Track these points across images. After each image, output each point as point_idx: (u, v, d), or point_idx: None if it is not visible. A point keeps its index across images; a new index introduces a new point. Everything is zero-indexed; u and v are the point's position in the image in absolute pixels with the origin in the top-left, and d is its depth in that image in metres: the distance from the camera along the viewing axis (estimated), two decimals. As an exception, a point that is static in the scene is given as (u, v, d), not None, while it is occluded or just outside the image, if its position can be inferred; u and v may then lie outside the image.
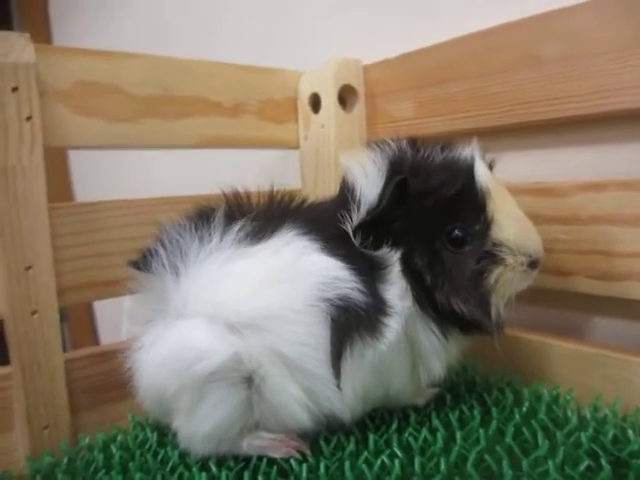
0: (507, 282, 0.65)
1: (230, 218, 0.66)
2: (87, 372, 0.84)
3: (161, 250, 0.66)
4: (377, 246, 0.64)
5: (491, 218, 0.65)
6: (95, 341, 2.42)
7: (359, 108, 1.05)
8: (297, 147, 1.10)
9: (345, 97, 1.05)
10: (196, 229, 0.66)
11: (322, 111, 1.04)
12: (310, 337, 0.60)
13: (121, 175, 1.88)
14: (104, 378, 0.85)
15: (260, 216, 0.68)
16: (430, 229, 0.65)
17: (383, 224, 0.64)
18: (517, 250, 0.65)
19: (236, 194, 0.71)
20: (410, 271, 0.64)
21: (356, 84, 1.04)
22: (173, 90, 0.93)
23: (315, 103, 1.06)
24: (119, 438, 0.74)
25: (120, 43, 0.96)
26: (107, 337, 2.30)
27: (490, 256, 0.64)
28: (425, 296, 0.64)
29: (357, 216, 0.65)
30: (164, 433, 0.72)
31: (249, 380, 0.60)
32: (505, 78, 0.82)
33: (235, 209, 0.69)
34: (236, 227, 0.64)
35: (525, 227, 0.67)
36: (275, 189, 0.72)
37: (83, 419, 0.84)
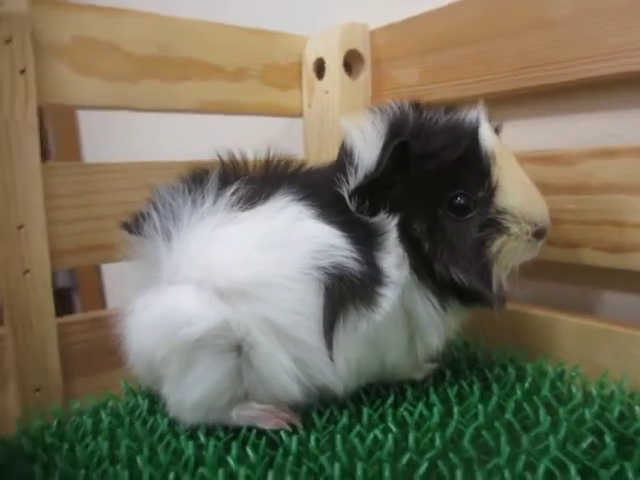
0: (510, 252, 0.62)
1: (225, 181, 0.64)
2: (81, 337, 0.83)
3: (153, 213, 0.64)
4: (374, 212, 0.61)
5: (495, 184, 0.61)
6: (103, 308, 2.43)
7: (365, 74, 1.01)
8: (301, 115, 1.07)
9: (351, 63, 1.02)
10: (189, 192, 0.63)
11: (326, 77, 1.00)
12: (302, 305, 0.58)
13: (131, 139, 1.86)
14: (98, 344, 0.83)
15: (255, 180, 0.65)
16: (431, 195, 0.61)
17: (381, 189, 0.61)
18: (522, 218, 0.61)
19: (232, 158, 0.68)
20: (408, 238, 0.61)
21: (362, 49, 1.00)
22: (173, 51, 0.90)
23: (320, 69, 1.03)
24: (110, 404, 0.73)
25: (124, 1, 0.92)
26: (116, 305, 2.30)
27: (493, 224, 0.61)
28: (423, 265, 0.61)
29: (354, 180, 0.62)
30: (155, 401, 0.70)
31: (238, 348, 0.58)
32: (511, 41, 0.78)
33: (230, 173, 0.66)
34: (230, 190, 0.62)
35: (531, 194, 0.63)
36: (272, 154, 0.69)
37: (76, 384, 0.83)
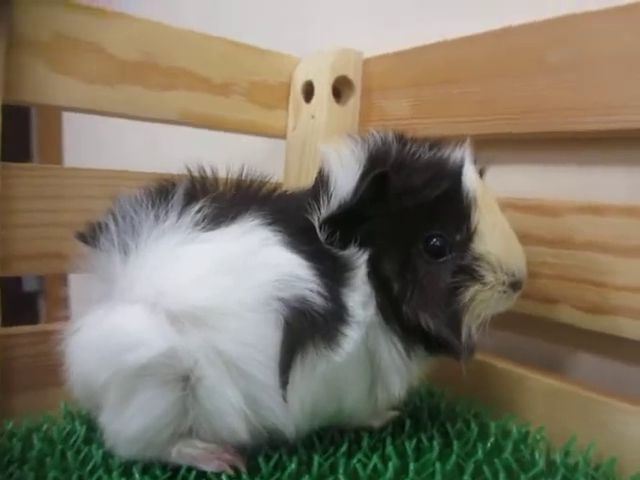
0: (484, 302, 0.58)
1: (191, 197, 0.60)
2: (24, 351, 0.77)
3: (112, 225, 0.59)
4: (344, 245, 0.58)
5: (474, 229, 0.58)
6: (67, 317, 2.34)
7: (354, 102, 0.98)
8: (284, 137, 1.04)
9: (340, 89, 0.99)
10: (153, 206, 0.59)
11: (314, 101, 0.98)
12: (257, 338, 0.54)
13: (121, 147, 1.81)
14: (42, 360, 0.77)
15: (223, 199, 0.61)
16: (406, 233, 0.58)
17: (354, 221, 0.58)
18: (499, 267, 0.58)
19: (202, 173, 0.65)
20: (378, 276, 0.58)
21: (353, 76, 0.97)
22: (159, 58, 0.86)
23: (308, 92, 1.00)
24: (44, 428, 0.67)
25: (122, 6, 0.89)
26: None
27: (468, 270, 0.58)
28: (391, 306, 0.58)
29: (327, 208, 0.58)
30: (94, 428, 0.65)
31: (185, 379, 0.54)
32: (509, 84, 0.76)
33: (198, 189, 0.63)
34: (195, 208, 0.58)
35: (511, 243, 0.60)
36: (246, 173, 0.66)
37: (15, 401, 0.77)
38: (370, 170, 0.58)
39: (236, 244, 0.56)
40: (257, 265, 0.56)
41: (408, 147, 0.61)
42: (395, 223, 0.58)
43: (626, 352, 0.72)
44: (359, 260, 0.57)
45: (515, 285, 0.59)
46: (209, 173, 0.65)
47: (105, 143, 1.88)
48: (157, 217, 0.58)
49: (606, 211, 0.66)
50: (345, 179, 0.59)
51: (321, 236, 0.58)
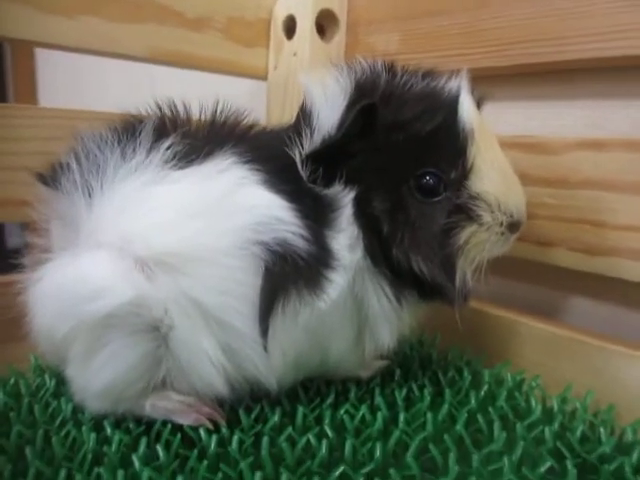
0: (480, 244, 0.54)
1: (161, 134, 0.54)
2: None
3: (74, 165, 0.54)
4: (328, 183, 0.53)
5: (471, 165, 0.53)
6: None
7: (338, 38, 0.92)
8: (265, 78, 0.98)
9: (324, 25, 0.93)
10: (119, 143, 0.53)
11: (296, 37, 0.91)
12: (234, 285, 0.50)
13: (103, 87, 1.71)
14: (8, 312, 0.73)
15: (196, 136, 0.56)
16: (396, 170, 0.53)
17: (340, 157, 0.53)
18: (497, 207, 0.54)
19: (172, 108, 0.59)
20: (365, 216, 0.53)
21: (338, 10, 0.91)
22: (124, -15, 0.79)
23: (290, 28, 0.93)
24: (11, 382, 0.63)
25: None
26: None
27: (464, 210, 0.53)
28: (380, 248, 0.53)
29: (309, 143, 0.53)
30: (65, 381, 0.61)
31: (156, 329, 0.50)
32: (500, 12, 0.71)
33: (169, 125, 0.57)
34: (165, 144, 0.52)
35: (509, 181, 0.56)
36: (220, 110, 0.60)
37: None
38: (356, 101, 0.52)
39: (210, 184, 0.51)
40: (233, 207, 0.51)
41: (399, 77, 0.56)
42: (384, 159, 0.53)
43: (622, 295, 0.69)
44: (344, 199, 0.53)
45: (513, 226, 0.55)
46: (181, 109, 0.59)
47: (85, 85, 1.79)
48: (124, 155, 0.53)
49: (608, 146, 0.61)
50: (329, 111, 0.54)
51: (303, 174, 0.53)
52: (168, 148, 0.52)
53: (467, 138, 0.53)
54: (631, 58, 0.61)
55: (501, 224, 0.54)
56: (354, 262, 0.52)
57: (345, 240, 0.52)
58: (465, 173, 0.54)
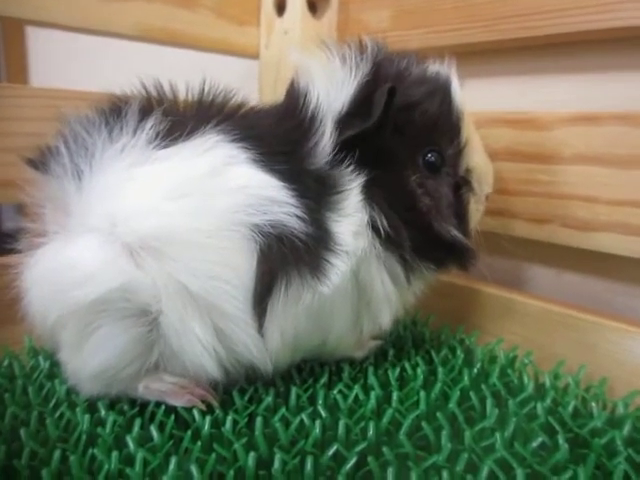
0: (475, 212, 0.59)
1: (147, 114, 0.53)
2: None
3: (63, 148, 0.53)
4: (336, 164, 0.53)
5: (464, 143, 0.57)
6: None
7: (330, 15, 0.90)
8: (257, 57, 0.96)
9: (315, 2, 0.91)
10: (106, 125, 0.53)
11: (287, 14, 0.89)
12: (224, 269, 0.49)
13: (98, 65, 1.68)
14: (3, 295, 0.72)
15: (183, 115, 0.55)
16: (408, 150, 0.55)
17: (357, 141, 0.52)
18: (483, 179, 0.59)
19: (159, 87, 0.58)
20: (388, 198, 0.54)
21: (329, -14, 0.89)
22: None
23: (281, 5, 0.91)
24: (5, 363, 0.63)
25: None
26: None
27: (465, 183, 0.58)
28: (406, 228, 0.54)
29: (320, 127, 0.53)
30: (58, 363, 0.61)
31: (146, 314, 0.49)
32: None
33: (155, 105, 0.56)
34: (150, 123, 0.51)
35: (486, 157, 0.60)
36: (207, 87, 0.59)
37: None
38: (375, 82, 0.53)
39: (195, 163, 0.50)
40: (221, 187, 0.50)
41: (399, 60, 0.57)
42: (399, 140, 0.55)
43: (614, 270, 0.69)
44: (352, 183, 0.52)
45: (487, 198, 0.60)
46: (167, 89, 0.58)
47: (80, 64, 1.76)
48: (111, 136, 0.52)
49: (598, 120, 0.61)
50: (335, 92, 0.54)
51: (327, 155, 0.53)
52: (152, 127, 0.51)
53: (460, 119, 0.57)
54: (623, 30, 0.60)
55: (485, 194, 0.59)
56: (359, 249, 0.52)
57: (350, 226, 0.52)
58: (460, 150, 0.57)
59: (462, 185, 0.57)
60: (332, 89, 0.54)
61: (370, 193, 0.53)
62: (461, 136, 0.56)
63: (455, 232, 0.55)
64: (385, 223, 0.53)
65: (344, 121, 0.53)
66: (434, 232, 0.55)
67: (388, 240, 0.54)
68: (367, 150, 0.53)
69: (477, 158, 0.58)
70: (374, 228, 0.53)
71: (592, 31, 0.61)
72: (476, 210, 0.59)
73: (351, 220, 0.52)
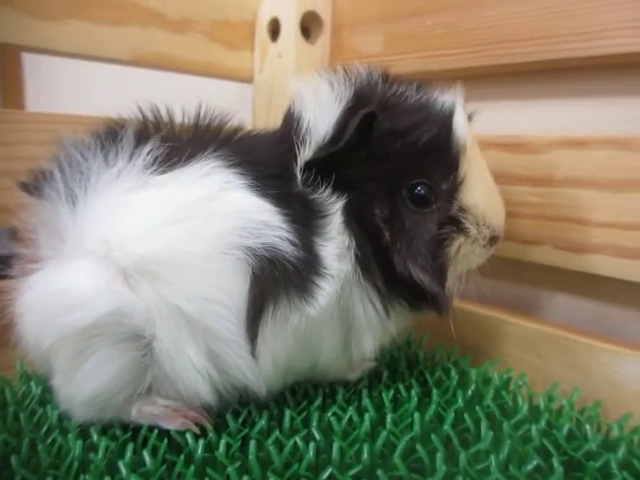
0: (466, 256, 0.55)
1: (143, 139, 0.53)
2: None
3: (57, 173, 0.53)
4: (319, 188, 0.53)
5: (462, 179, 0.54)
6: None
7: (323, 40, 0.92)
8: (251, 81, 0.97)
9: (309, 27, 0.92)
10: (102, 149, 0.53)
11: (281, 39, 0.91)
12: (218, 291, 0.49)
13: (92, 92, 1.70)
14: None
15: (179, 140, 0.55)
16: (391, 179, 0.53)
17: (334, 163, 0.52)
18: (482, 221, 0.54)
19: (155, 112, 0.58)
20: (362, 224, 0.53)
21: (322, 12, 0.91)
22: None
23: (275, 31, 0.93)
24: (-3, 390, 0.63)
25: None
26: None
27: (454, 222, 0.54)
28: (376, 258, 0.53)
29: (304, 151, 0.53)
30: (51, 389, 0.60)
31: (139, 338, 0.49)
32: (485, 12, 0.71)
33: (151, 129, 0.56)
34: (147, 149, 0.52)
35: (494, 196, 0.57)
36: (204, 113, 0.60)
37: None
38: (356, 108, 0.52)
39: (193, 188, 0.51)
40: (216, 211, 0.50)
41: (395, 86, 0.56)
42: (379, 168, 0.53)
43: (606, 292, 0.69)
44: (334, 206, 0.52)
45: (493, 240, 0.56)
46: (163, 113, 0.59)
47: (76, 89, 1.77)
48: (106, 161, 0.52)
49: (589, 144, 0.62)
50: (323, 116, 0.54)
51: (299, 178, 0.53)
52: (149, 152, 0.51)
53: (460, 152, 0.54)
54: (612, 57, 0.61)
55: (485, 237, 0.55)
56: (342, 272, 0.52)
57: (334, 249, 0.52)
58: (456, 186, 0.54)
59: (445, 224, 0.54)
60: (320, 115, 0.54)
61: (351, 216, 0.53)
62: (458, 172, 0.54)
63: (421, 274, 0.53)
64: (358, 250, 0.53)
65: (325, 146, 0.53)
66: (396, 270, 0.53)
67: (366, 268, 0.53)
68: (345, 175, 0.53)
69: (478, 196, 0.54)
70: (355, 252, 0.53)
71: (580, 58, 0.63)
72: (472, 253, 0.55)
73: (334, 243, 0.52)
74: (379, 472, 0.46)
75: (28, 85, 2.18)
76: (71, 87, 1.78)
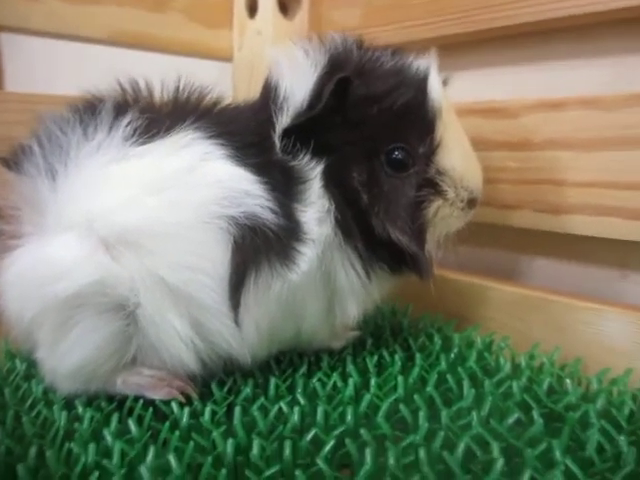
0: (444, 218, 0.55)
1: (122, 111, 0.53)
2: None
3: (36, 148, 0.53)
4: (298, 155, 0.53)
5: (439, 142, 0.54)
6: None
7: (301, 15, 0.91)
8: (230, 60, 0.97)
9: (287, 2, 0.92)
10: (81, 123, 0.53)
11: (259, 15, 0.90)
12: (201, 260, 0.49)
13: (79, 71, 1.68)
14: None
15: (159, 112, 0.55)
16: (368, 144, 0.54)
17: (311, 129, 0.52)
18: (460, 183, 0.54)
19: (134, 85, 0.58)
20: (340, 188, 0.53)
21: (299, -14, 0.90)
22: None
23: (252, 7, 0.92)
24: (-19, 367, 0.63)
25: None
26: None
27: (432, 185, 0.54)
28: (355, 221, 0.53)
29: (282, 117, 0.53)
30: (35, 364, 0.60)
31: (123, 308, 0.49)
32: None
33: (131, 102, 0.56)
34: (126, 120, 0.52)
35: (471, 159, 0.57)
36: (183, 86, 0.59)
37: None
38: (330, 73, 0.52)
39: (172, 159, 0.51)
40: (197, 181, 0.50)
41: (370, 53, 0.56)
42: (356, 133, 0.53)
43: (585, 252, 0.70)
44: (313, 172, 0.53)
45: (471, 202, 0.56)
46: (142, 87, 0.59)
47: (55, 69, 1.75)
48: (85, 134, 0.52)
49: (565, 105, 0.62)
50: (300, 84, 0.54)
51: (278, 146, 0.53)
52: (128, 124, 0.51)
53: (435, 115, 0.54)
54: (584, 17, 0.62)
55: (462, 200, 0.55)
56: (323, 236, 0.52)
57: (314, 214, 0.52)
58: (433, 149, 0.54)
59: (423, 187, 0.54)
60: (296, 83, 0.54)
61: (330, 180, 0.53)
62: (435, 135, 0.54)
63: (400, 235, 0.53)
64: (337, 213, 0.53)
65: (302, 112, 0.53)
66: (375, 232, 0.53)
67: (346, 231, 0.54)
68: (323, 140, 0.53)
69: (455, 159, 0.54)
70: (335, 216, 0.53)
71: (552, 19, 0.63)
72: (450, 215, 0.55)
73: (314, 208, 0.53)
74: (363, 431, 0.46)
75: (7, 65, 2.15)
76: (51, 67, 1.76)
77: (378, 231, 0.53)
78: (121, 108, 0.54)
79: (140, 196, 0.50)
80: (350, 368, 0.58)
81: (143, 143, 0.51)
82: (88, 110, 0.54)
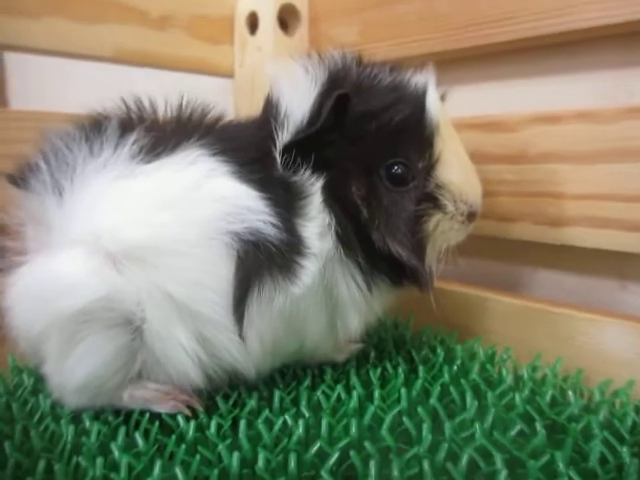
0: (444, 232, 0.56)
1: (128, 129, 0.54)
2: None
3: (43, 165, 0.54)
4: (298, 171, 0.54)
5: (437, 156, 0.55)
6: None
7: (301, 32, 0.93)
8: (232, 76, 0.98)
9: (287, 19, 0.94)
10: (87, 140, 0.54)
11: (260, 32, 0.92)
12: (206, 275, 0.50)
13: (83, 90, 1.69)
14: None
15: (163, 129, 0.56)
16: (367, 159, 0.55)
17: (311, 145, 0.53)
18: (459, 197, 0.55)
19: (138, 103, 0.59)
20: (340, 202, 0.54)
21: (299, 4, 0.92)
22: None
23: (253, 24, 0.94)
24: (-11, 382, 0.63)
25: None
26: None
27: (431, 199, 0.55)
28: (356, 235, 0.54)
29: (282, 135, 0.54)
30: (43, 380, 0.61)
31: (129, 323, 0.50)
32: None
33: (136, 119, 0.57)
34: (131, 138, 0.53)
35: (470, 173, 0.58)
36: (186, 103, 0.61)
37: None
38: (330, 90, 0.53)
39: (178, 176, 0.52)
40: (202, 198, 0.51)
41: (368, 69, 0.57)
42: (355, 148, 0.54)
43: (585, 264, 0.71)
44: (313, 187, 0.54)
45: (471, 216, 0.57)
46: (147, 105, 0.60)
47: (59, 86, 1.77)
48: (92, 151, 0.53)
49: (562, 119, 0.63)
50: (299, 100, 0.55)
51: (279, 162, 0.54)
52: (134, 142, 0.52)
53: (434, 130, 0.55)
54: (580, 32, 0.63)
55: (462, 213, 0.56)
56: (324, 250, 0.53)
57: (315, 228, 0.53)
58: (432, 164, 0.55)
59: (423, 201, 0.55)
60: (296, 99, 0.55)
61: (330, 195, 0.54)
62: (433, 149, 0.55)
63: (400, 249, 0.54)
64: (338, 227, 0.54)
65: (302, 129, 0.54)
66: (375, 246, 0.54)
67: (347, 244, 0.55)
68: (323, 156, 0.54)
69: (453, 173, 0.55)
70: (336, 230, 0.54)
71: (552, 34, 0.64)
72: (450, 229, 0.56)
73: (316, 222, 0.53)
74: (367, 444, 0.46)
75: (12, 83, 2.17)
76: (55, 85, 1.77)
77: (378, 245, 0.54)
78: (126, 126, 0.55)
79: (147, 213, 0.51)
80: (354, 380, 0.59)
81: (149, 161, 0.52)
82: (94, 127, 0.55)
